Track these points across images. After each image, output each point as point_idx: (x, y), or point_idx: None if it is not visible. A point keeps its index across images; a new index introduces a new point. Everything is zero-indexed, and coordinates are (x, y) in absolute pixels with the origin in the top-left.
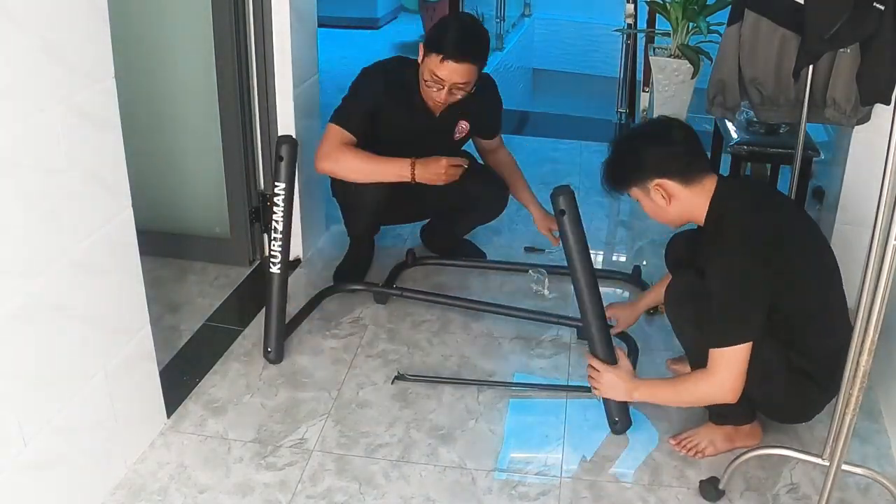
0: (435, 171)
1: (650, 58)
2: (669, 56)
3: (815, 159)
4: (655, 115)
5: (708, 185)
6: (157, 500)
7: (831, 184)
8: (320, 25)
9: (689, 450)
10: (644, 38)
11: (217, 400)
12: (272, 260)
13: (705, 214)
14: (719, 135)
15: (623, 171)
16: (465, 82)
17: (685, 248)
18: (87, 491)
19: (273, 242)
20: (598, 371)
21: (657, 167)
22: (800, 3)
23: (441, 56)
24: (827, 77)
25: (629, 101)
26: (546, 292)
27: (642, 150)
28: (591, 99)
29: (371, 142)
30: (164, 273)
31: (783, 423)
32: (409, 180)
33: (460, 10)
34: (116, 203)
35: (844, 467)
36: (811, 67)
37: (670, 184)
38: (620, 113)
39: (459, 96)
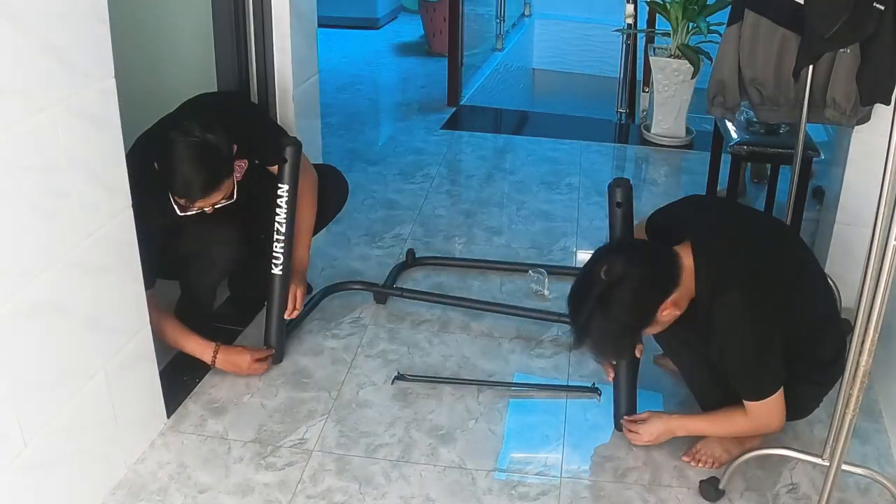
0: (237, 365)
1: (650, 58)
2: (669, 56)
3: (815, 159)
4: (657, 123)
5: (685, 260)
6: (157, 500)
7: (831, 184)
8: (320, 25)
9: (706, 462)
10: (644, 38)
11: (217, 400)
12: (274, 261)
13: (694, 285)
14: (719, 135)
15: (625, 334)
16: (223, 197)
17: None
18: (87, 491)
19: (276, 244)
20: (637, 433)
21: (650, 304)
22: (800, 3)
23: (186, 200)
24: (827, 77)
25: (629, 101)
26: (546, 292)
27: (625, 308)
28: (591, 99)
29: (171, 232)
30: None
31: (789, 421)
32: (209, 363)
33: (460, 10)
34: (116, 203)
35: (844, 467)
36: (811, 67)
37: (669, 300)
38: (620, 113)
39: (226, 203)
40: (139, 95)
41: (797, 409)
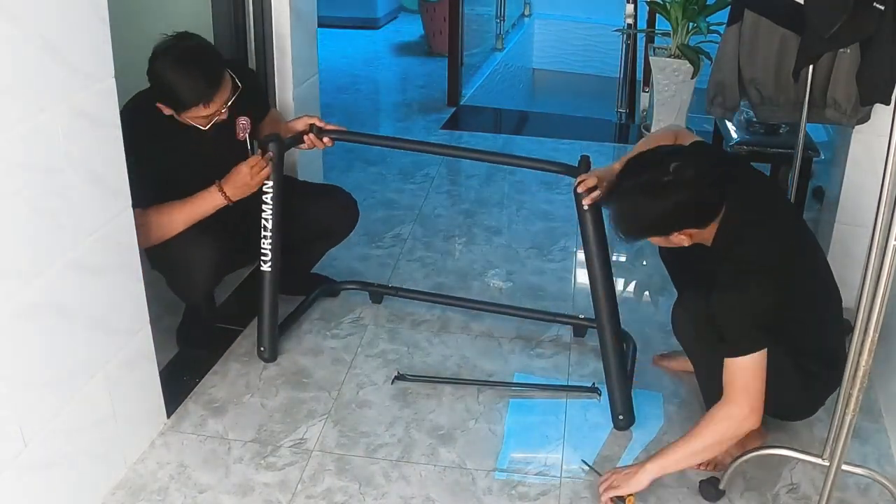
0: (243, 182)
1: (650, 58)
2: (669, 56)
3: (815, 159)
4: (657, 123)
5: (716, 221)
6: (157, 500)
7: (831, 184)
8: (320, 25)
9: (709, 466)
10: (644, 38)
11: (217, 400)
12: (263, 258)
13: (714, 236)
14: (719, 135)
15: (641, 228)
16: (229, 94)
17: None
18: (87, 491)
19: (263, 240)
20: (609, 485)
21: (677, 223)
22: (800, 3)
23: (202, 104)
24: (827, 77)
25: (629, 101)
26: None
27: (661, 207)
28: (591, 99)
29: (170, 188)
30: None
31: (792, 420)
32: (226, 203)
33: (460, 10)
34: (116, 203)
35: (844, 467)
36: (811, 67)
37: (690, 231)
38: (620, 113)
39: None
40: None
41: (801, 404)
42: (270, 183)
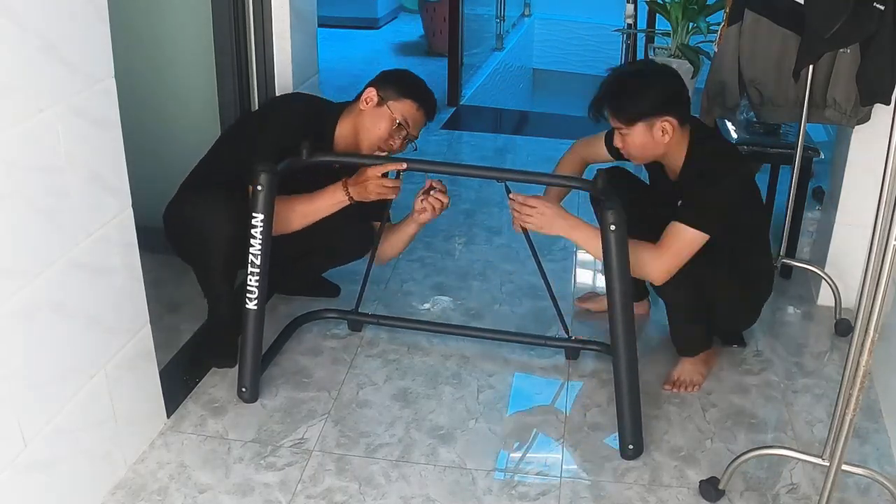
0: (365, 186)
1: (650, 58)
2: (669, 56)
3: (815, 159)
4: None
5: (688, 131)
6: (157, 500)
7: (831, 184)
8: (320, 25)
9: (686, 387)
10: (644, 38)
11: (217, 400)
12: (249, 295)
13: (683, 158)
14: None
15: (642, 103)
16: (416, 135)
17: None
18: (87, 491)
19: (250, 277)
20: (533, 206)
21: (674, 105)
22: (800, 3)
23: (421, 109)
24: (827, 77)
25: None
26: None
27: (664, 85)
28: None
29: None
30: (164, 273)
31: (737, 329)
32: (348, 202)
33: (460, 10)
34: (116, 203)
35: (844, 467)
36: (811, 67)
37: (675, 122)
38: None
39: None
40: (139, 95)
41: (748, 307)
42: (261, 216)
